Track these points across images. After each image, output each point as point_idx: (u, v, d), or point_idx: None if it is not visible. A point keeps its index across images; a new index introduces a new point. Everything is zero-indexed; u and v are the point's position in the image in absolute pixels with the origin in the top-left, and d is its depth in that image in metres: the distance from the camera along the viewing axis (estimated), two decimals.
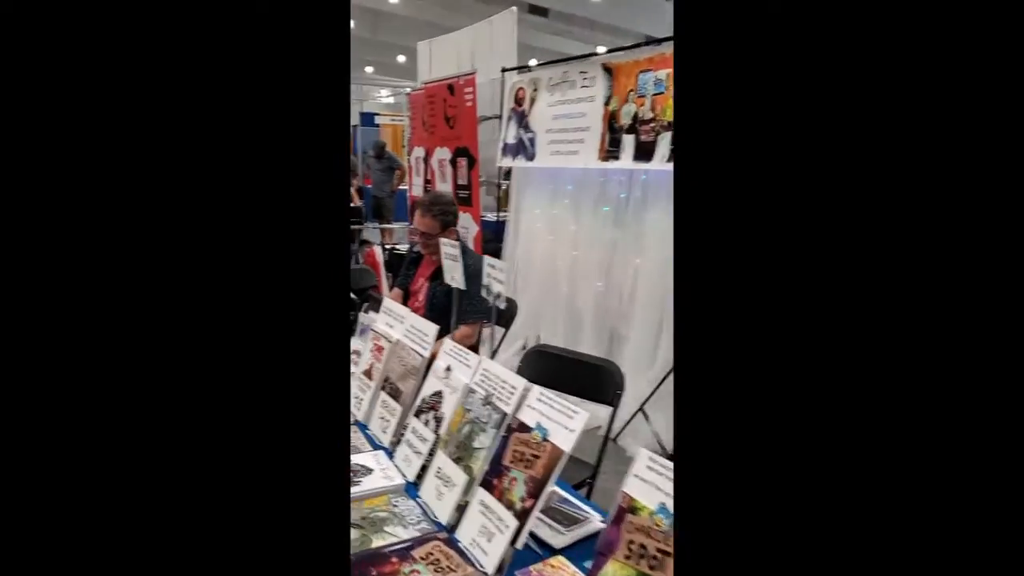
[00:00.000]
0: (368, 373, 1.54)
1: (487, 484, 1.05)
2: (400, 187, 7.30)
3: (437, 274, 2.39)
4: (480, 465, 1.08)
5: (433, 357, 1.36)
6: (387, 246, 3.65)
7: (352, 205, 6.34)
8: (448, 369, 1.28)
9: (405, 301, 2.56)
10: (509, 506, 0.99)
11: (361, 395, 1.52)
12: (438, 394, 1.27)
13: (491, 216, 4.39)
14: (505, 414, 1.08)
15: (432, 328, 1.37)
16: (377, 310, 1.98)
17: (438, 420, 1.24)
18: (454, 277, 1.39)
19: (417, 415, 1.30)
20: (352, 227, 5.32)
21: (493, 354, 2.52)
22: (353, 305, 2.44)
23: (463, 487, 1.09)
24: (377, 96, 15.60)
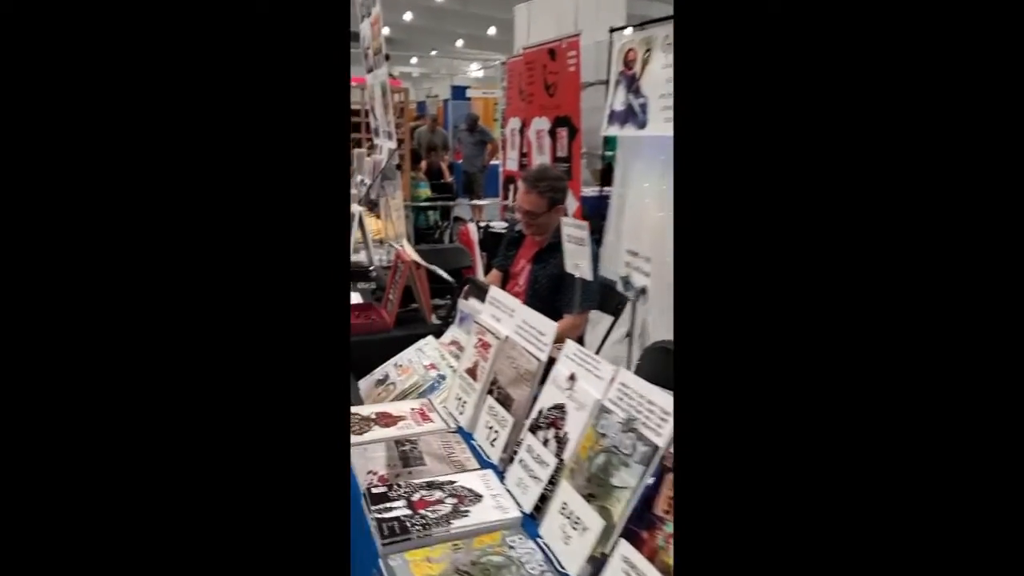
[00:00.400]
0: (472, 372, 1.33)
1: (632, 535, 0.82)
2: (492, 162, 7.13)
3: (540, 256, 2.17)
4: (622, 509, 0.85)
5: (551, 361, 1.13)
6: (481, 224, 3.46)
7: (443, 181, 6.22)
8: (572, 378, 1.05)
9: (504, 284, 2.36)
10: (665, 571, 0.76)
11: (464, 397, 1.33)
12: (560, 408, 1.05)
13: (589, 191, 4.11)
14: (656, 447, 0.84)
15: (550, 327, 1.14)
16: (481, 298, 1.78)
17: (560, 441, 1.01)
18: (578, 265, 1.15)
19: (533, 431, 1.09)
20: (444, 203, 5.20)
21: (600, 345, 2.28)
22: (450, 288, 2.27)
23: (598, 533, 0.86)
24: (467, 70, 15.52)
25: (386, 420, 1.29)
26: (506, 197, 4.98)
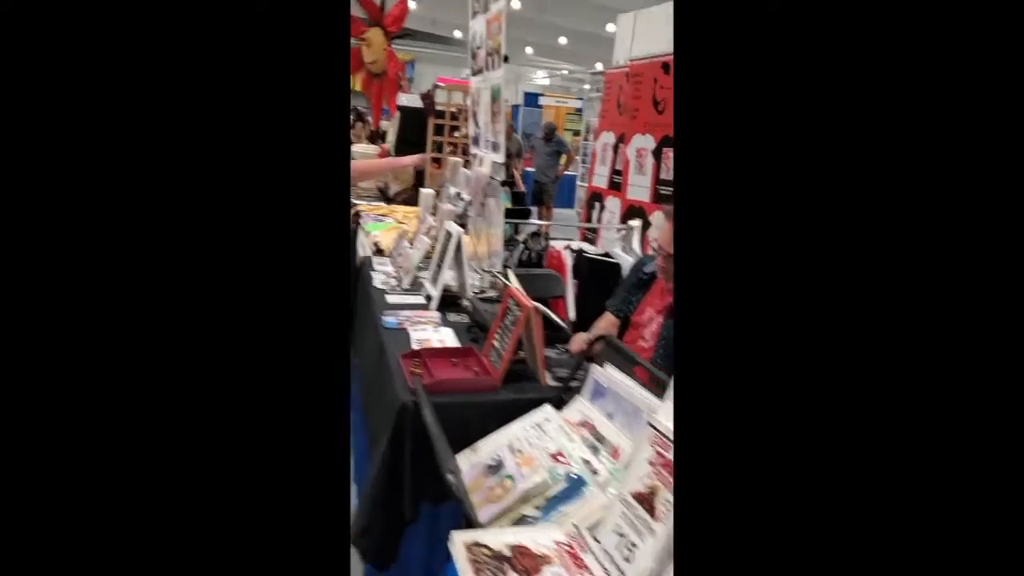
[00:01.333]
0: (647, 502, 0.95)
1: None
2: (566, 172, 6.78)
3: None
4: None
5: None
6: (574, 246, 3.09)
7: (516, 190, 5.88)
8: None
9: (621, 333, 1.97)
10: None
11: (635, 539, 0.94)
12: None
13: None
14: None
15: None
16: (621, 366, 1.40)
17: None
18: None
19: None
20: (514, 219, 4.84)
21: None
22: (559, 334, 1.89)
23: None
24: (532, 77, 15.27)
25: (526, 563, 0.91)
26: (588, 218, 4.60)
